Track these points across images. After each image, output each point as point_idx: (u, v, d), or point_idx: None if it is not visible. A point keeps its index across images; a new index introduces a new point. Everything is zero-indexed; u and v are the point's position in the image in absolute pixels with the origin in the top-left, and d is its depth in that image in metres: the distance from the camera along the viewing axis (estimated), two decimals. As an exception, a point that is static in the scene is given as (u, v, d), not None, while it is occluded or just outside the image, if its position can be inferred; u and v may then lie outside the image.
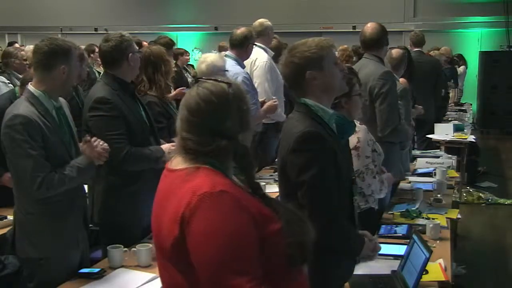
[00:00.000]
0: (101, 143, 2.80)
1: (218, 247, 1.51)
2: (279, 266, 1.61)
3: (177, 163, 1.69)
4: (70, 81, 2.79)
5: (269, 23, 5.42)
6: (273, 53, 5.39)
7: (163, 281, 1.76)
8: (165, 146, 3.24)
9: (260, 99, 4.82)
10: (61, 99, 2.90)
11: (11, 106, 2.76)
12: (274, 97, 4.90)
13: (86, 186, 3.39)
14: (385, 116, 3.80)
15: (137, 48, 3.31)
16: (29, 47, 7.47)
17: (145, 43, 6.07)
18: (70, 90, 2.93)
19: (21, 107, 2.67)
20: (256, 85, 5.07)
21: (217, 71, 4.08)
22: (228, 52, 4.92)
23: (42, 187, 2.59)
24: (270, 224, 1.60)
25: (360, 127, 3.24)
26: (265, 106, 4.70)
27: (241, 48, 4.87)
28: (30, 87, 2.74)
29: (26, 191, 2.67)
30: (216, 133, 1.64)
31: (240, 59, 4.90)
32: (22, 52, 5.76)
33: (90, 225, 3.13)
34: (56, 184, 2.63)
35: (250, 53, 4.98)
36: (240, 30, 4.91)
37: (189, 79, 7.16)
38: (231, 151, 1.65)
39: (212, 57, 4.36)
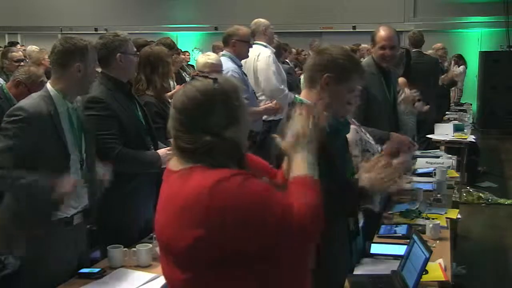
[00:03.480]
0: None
1: (250, 208, 1.55)
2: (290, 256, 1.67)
3: (174, 163, 1.71)
4: (86, 79, 2.80)
5: (263, 21, 5.48)
6: (274, 50, 5.43)
7: (166, 278, 1.77)
8: (162, 151, 3.23)
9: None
10: (78, 98, 2.92)
11: (26, 99, 2.78)
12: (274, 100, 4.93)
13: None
14: None
15: (134, 49, 3.29)
16: (30, 47, 7.49)
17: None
18: (87, 89, 2.93)
19: (31, 101, 2.70)
20: (262, 80, 5.14)
21: (214, 68, 4.12)
22: (223, 51, 5.03)
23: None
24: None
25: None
26: (262, 107, 4.71)
27: (227, 45, 5.00)
28: (48, 85, 2.78)
29: None
30: (201, 130, 1.65)
31: (236, 57, 4.96)
32: (13, 53, 5.78)
33: (89, 225, 3.12)
34: (6, 185, 2.61)
35: (240, 50, 5.02)
36: (227, 29, 5.06)
37: (187, 79, 7.17)
38: (219, 147, 1.64)
39: (209, 55, 4.40)
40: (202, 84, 1.68)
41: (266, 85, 5.23)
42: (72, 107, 2.81)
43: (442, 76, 8.21)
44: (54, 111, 2.69)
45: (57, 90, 2.74)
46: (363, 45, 8.15)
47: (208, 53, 4.58)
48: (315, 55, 2.40)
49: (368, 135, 3.34)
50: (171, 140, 1.74)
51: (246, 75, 5.08)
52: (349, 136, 3.16)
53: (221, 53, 5.00)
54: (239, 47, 4.98)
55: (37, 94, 2.77)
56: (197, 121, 1.65)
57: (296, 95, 2.42)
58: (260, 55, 5.29)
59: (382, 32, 3.92)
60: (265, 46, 5.39)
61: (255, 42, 5.41)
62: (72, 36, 2.86)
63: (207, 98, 1.66)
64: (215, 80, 1.69)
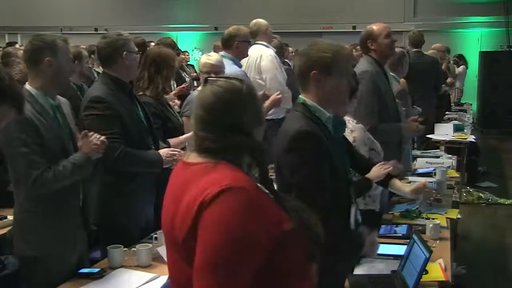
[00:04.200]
0: (97, 137, 2.78)
1: (224, 238, 1.51)
2: (293, 263, 1.63)
3: (194, 157, 1.70)
4: (61, 74, 2.77)
5: (263, 21, 5.49)
6: (275, 50, 5.43)
7: (172, 277, 1.76)
8: (163, 151, 3.23)
9: (264, 92, 4.85)
10: (62, 98, 2.91)
11: None
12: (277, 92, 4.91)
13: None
14: (359, 117, 3.74)
15: (136, 48, 3.30)
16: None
17: (152, 43, 6.07)
18: (65, 85, 2.90)
19: None
20: (268, 79, 5.17)
21: (213, 68, 4.10)
22: (223, 53, 4.96)
23: (36, 184, 2.60)
24: (284, 222, 1.60)
25: (356, 126, 3.24)
26: (268, 101, 4.67)
27: (230, 47, 4.94)
28: (27, 85, 2.75)
29: (22, 188, 2.68)
30: (233, 130, 1.65)
31: (236, 58, 4.93)
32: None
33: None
34: (51, 181, 2.62)
35: (242, 51, 5.00)
36: (227, 30, 5.02)
37: (187, 79, 7.16)
38: (248, 147, 1.65)
39: (210, 56, 4.38)
40: (229, 84, 1.69)
41: (272, 84, 5.22)
42: (55, 104, 2.80)
43: (446, 82, 8.20)
44: (41, 108, 2.70)
45: (36, 89, 2.73)
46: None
47: (210, 53, 4.54)
48: (297, 60, 2.40)
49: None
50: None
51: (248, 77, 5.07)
52: (357, 135, 3.18)
53: (221, 53, 4.97)
54: (241, 48, 4.97)
55: None
56: (230, 122, 1.65)
57: (300, 96, 2.41)
58: (264, 55, 5.29)
59: (375, 26, 4.02)
60: (267, 46, 5.40)
61: (256, 42, 5.41)
62: (42, 33, 2.86)
63: (238, 98, 1.67)
64: (241, 81, 1.70)
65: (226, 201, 1.53)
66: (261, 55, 5.31)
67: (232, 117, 1.66)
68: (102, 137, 2.80)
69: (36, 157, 2.61)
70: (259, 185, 1.65)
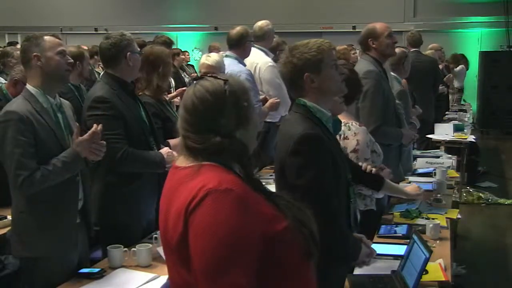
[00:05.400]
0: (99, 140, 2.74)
1: (217, 240, 1.50)
2: (290, 263, 1.61)
3: (182, 161, 1.70)
4: (53, 67, 2.74)
5: (269, 26, 5.32)
6: (273, 55, 5.38)
7: (171, 280, 1.75)
8: (164, 150, 3.23)
9: (264, 96, 4.83)
10: (64, 100, 2.91)
11: (9, 104, 2.78)
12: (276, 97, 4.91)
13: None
14: (364, 116, 3.73)
15: (138, 49, 3.30)
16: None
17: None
18: (64, 79, 2.85)
19: (16, 103, 2.70)
20: (272, 90, 5.06)
21: (210, 69, 4.07)
22: (228, 52, 4.94)
23: (24, 185, 2.59)
24: (277, 222, 1.59)
25: (359, 129, 3.22)
26: (267, 103, 4.69)
27: (239, 47, 4.90)
28: (28, 85, 2.77)
29: (12, 188, 2.68)
30: (211, 131, 1.64)
31: (240, 58, 4.91)
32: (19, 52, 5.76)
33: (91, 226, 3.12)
34: (39, 181, 2.60)
35: (249, 51, 4.98)
36: (236, 30, 4.95)
37: (187, 79, 7.15)
38: (228, 148, 1.63)
39: (209, 56, 4.37)
40: (212, 84, 1.66)
41: (277, 94, 5.10)
42: (56, 103, 2.79)
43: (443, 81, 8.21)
44: (40, 108, 2.70)
45: (35, 87, 2.74)
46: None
47: (211, 54, 4.51)
48: (284, 70, 2.38)
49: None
50: (178, 139, 1.73)
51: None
52: (360, 138, 3.17)
53: (226, 53, 4.94)
54: (248, 48, 4.96)
55: (19, 96, 2.77)
56: (207, 122, 1.64)
57: (300, 98, 2.40)
58: (262, 66, 5.13)
59: (378, 24, 4.00)
60: (265, 53, 5.26)
61: (254, 45, 5.35)
62: (33, 32, 2.88)
63: (217, 99, 1.64)
64: (225, 81, 1.67)
65: (212, 205, 1.52)
66: (260, 66, 5.14)
67: (210, 118, 1.64)
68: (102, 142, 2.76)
69: (27, 159, 2.59)
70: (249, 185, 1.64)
